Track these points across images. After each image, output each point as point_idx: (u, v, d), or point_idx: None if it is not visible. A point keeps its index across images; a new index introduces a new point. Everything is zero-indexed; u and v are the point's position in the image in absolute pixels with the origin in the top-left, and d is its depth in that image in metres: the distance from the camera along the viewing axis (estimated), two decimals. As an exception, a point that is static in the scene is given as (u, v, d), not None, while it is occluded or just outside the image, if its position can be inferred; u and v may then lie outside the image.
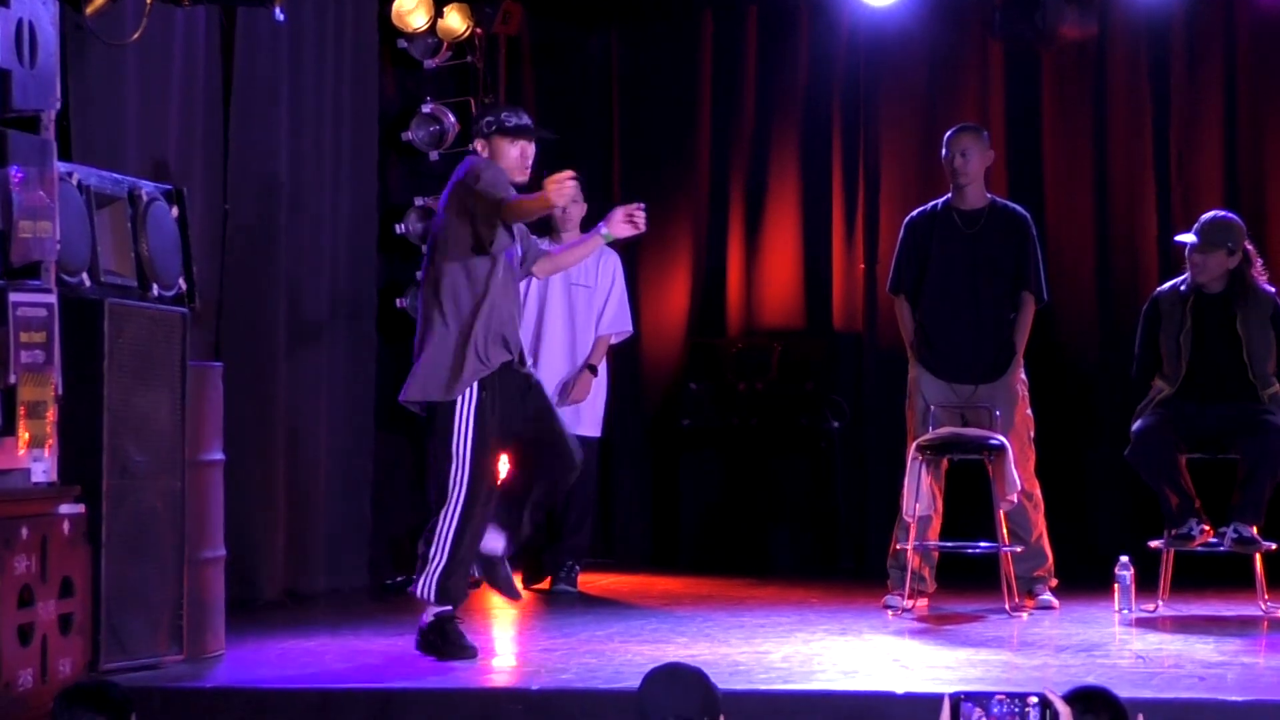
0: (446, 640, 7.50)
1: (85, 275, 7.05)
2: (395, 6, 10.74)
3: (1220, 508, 8.71)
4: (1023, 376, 9.22)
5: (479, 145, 7.75)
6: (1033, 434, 9.24)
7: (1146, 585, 8.74)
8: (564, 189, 7.48)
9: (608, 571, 10.78)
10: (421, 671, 7.41)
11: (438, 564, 7.46)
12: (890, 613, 8.86)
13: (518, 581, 8.52)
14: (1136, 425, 8.82)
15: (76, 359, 6.88)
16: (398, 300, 10.86)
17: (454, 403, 7.48)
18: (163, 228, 7.49)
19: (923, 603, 9.01)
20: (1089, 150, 11.21)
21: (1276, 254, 10.55)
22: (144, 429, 7.20)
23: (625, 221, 7.88)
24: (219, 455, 7.73)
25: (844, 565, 11.28)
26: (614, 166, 11.81)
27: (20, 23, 6.59)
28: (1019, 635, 8.28)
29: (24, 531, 6.40)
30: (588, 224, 9.69)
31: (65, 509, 6.68)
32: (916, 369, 9.25)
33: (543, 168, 8.01)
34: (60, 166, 6.88)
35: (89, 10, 7.53)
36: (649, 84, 11.86)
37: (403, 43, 10.97)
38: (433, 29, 10.93)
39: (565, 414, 8.81)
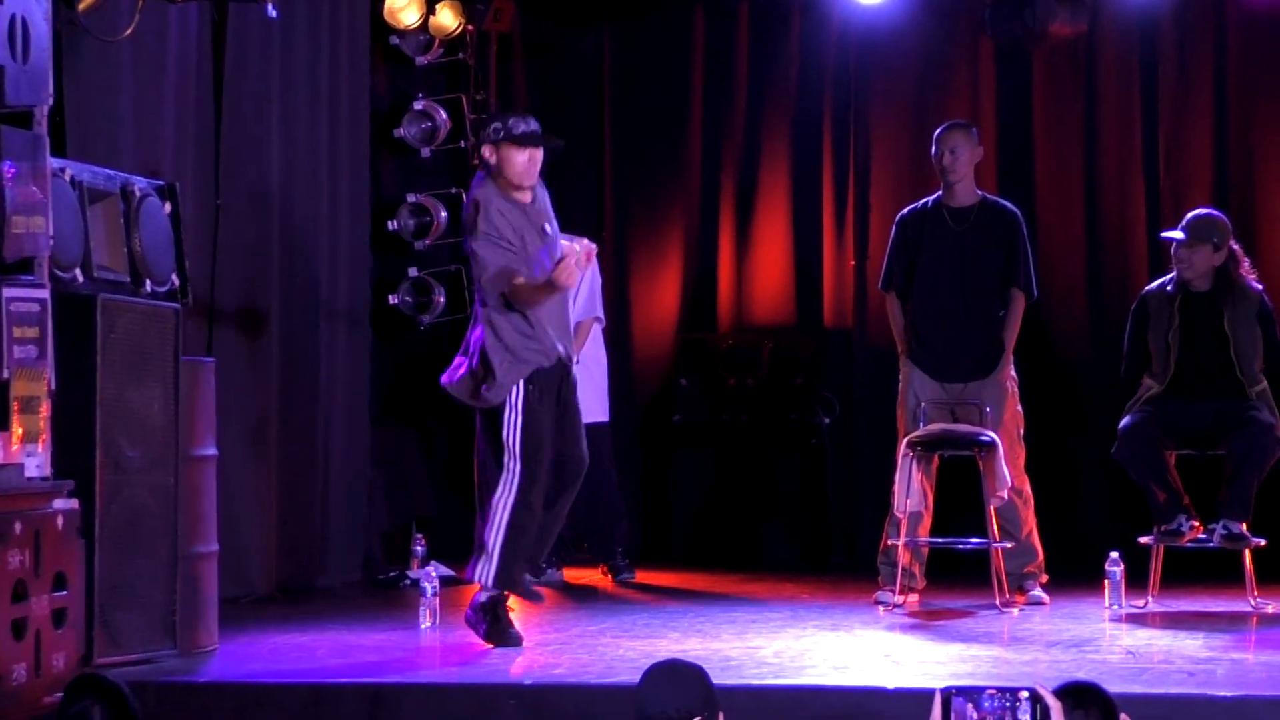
0: (497, 621, 7.62)
1: (78, 271, 7.05)
2: (387, 3, 10.74)
3: (1209, 504, 8.73)
4: (1013, 373, 9.24)
5: (486, 151, 7.74)
6: (1023, 430, 9.26)
7: (1136, 581, 8.77)
8: (571, 272, 7.53)
9: (600, 567, 10.79)
10: (414, 666, 7.44)
11: (495, 549, 7.55)
12: (881, 608, 8.89)
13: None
14: (1123, 423, 8.85)
15: (70, 354, 6.88)
16: (390, 296, 10.89)
17: (506, 402, 7.57)
18: (155, 223, 7.50)
19: (914, 598, 9.03)
20: (1079, 148, 11.24)
21: (1265, 251, 10.61)
22: (137, 424, 7.21)
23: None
24: (212, 450, 7.74)
25: (835, 560, 11.30)
26: (605, 163, 11.82)
27: (13, 19, 6.58)
28: (1009, 631, 8.30)
29: (17, 526, 6.40)
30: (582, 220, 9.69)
31: (59, 504, 6.67)
32: (907, 365, 9.27)
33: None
34: (53, 162, 6.87)
35: (82, 6, 7.53)
36: (640, 81, 11.88)
37: (395, 39, 10.99)
38: (425, 26, 10.94)
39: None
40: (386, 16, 10.80)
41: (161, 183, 7.69)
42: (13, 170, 6.51)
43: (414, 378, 11.30)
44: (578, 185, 11.37)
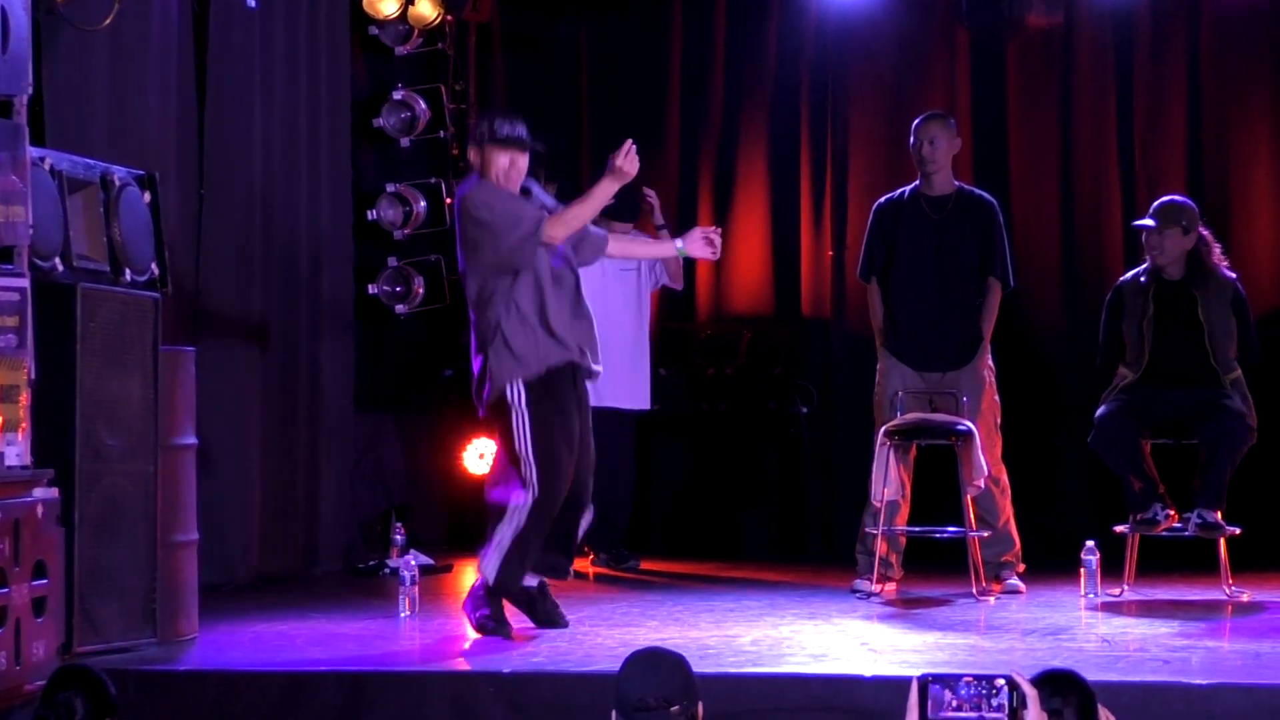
0: (492, 612, 7.63)
1: (58, 260, 7.05)
2: (367, -7, 10.77)
3: (1184, 493, 8.77)
4: (990, 362, 9.27)
5: (472, 153, 7.74)
6: (1000, 420, 9.28)
7: (1112, 570, 8.81)
8: (633, 158, 7.52)
9: (578, 556, 10.79)
10: (393, 654, 7.45)
11: (501, 550, 7.58)
12: (859, 597, 8.91)
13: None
14: (1099, 412, 8.88)
15: (49, 343, 6.89)
16: (369, 286, 10.90)
17: (507, 405, 7.55)
18: (135, 213, 7.50)
19: (891, 587, 9.06)
20: (1054, 138, 11.28)
21: (1240, 240, 10.66)
22: (117, 413, 7.23)
23: (703, 241, 7.95)
24: (191, 439, 7.75)
25: (813, 549, 11.33)
26: (583, 153, 11.83)
27: (-7, 9, 6.60)
28: (986, 619, 8.33)
29: (-3, 515, 6.42)
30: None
31: (38, 493, 6.68)
32: (885, 356, 9.29)
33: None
34: (33, 151, 6.88)
35: (61, -4, 7.55)
36: (619, 71, 11.89)
37: (374, 29, 11.00)
38: (404, 16, 10.95)
39: (611, 386, 9.13)
40: (366, 7, 10.81)
41: (141, 172, 7.69)
42: (-8, 160, 6.52)
43: (393, 367, 11.32)
44: (556, 175, 11.37)
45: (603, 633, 7.78)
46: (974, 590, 8.81)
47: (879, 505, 8.90)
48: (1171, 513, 8.69)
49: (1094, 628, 8.07)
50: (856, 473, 9.72)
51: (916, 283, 9.24)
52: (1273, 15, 10.97)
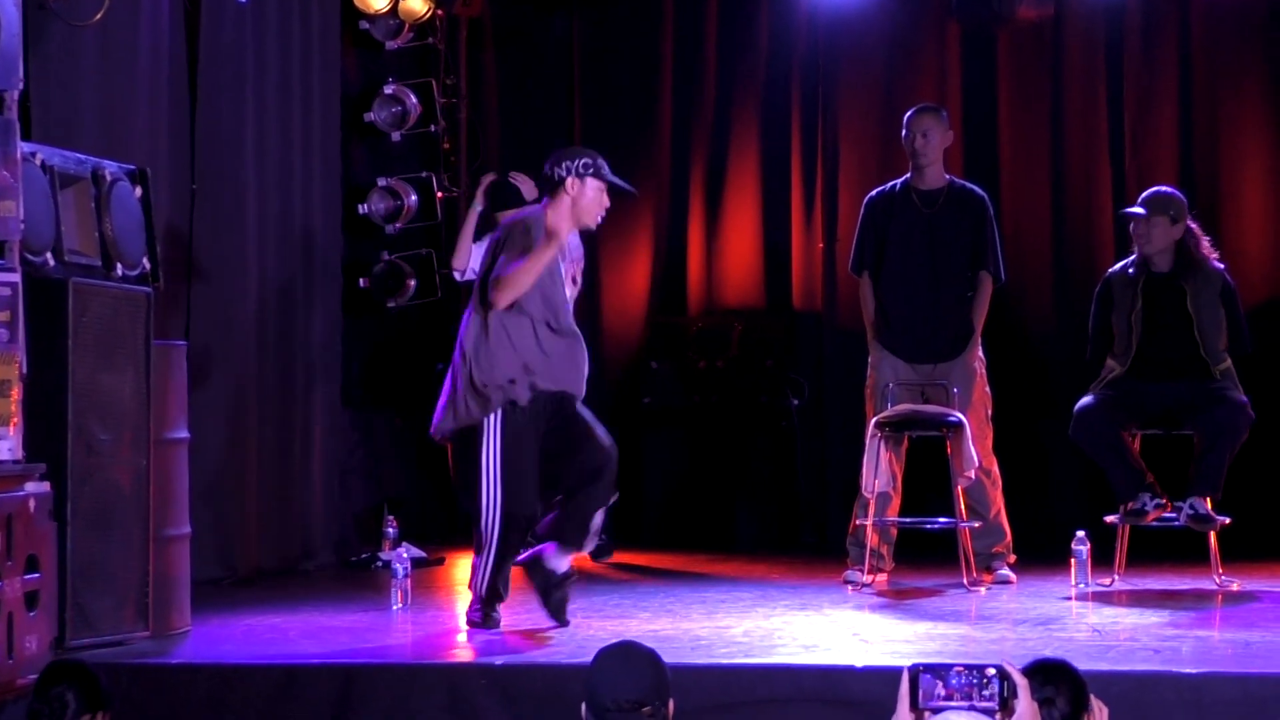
0: (480, 610, 7.67)
1: (49, 255, 7.06)
2: (357, -12, 10.78)
3: (1175, 484, 8.78)
4: (980, 355, 9.29)
5: (570, 183, 7.70)
6: (990, 411, 9.30)
7: (1103, 560, 8.83)
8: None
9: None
10: (386, 647, 7.46)
11: (482, 582, 7.65)
12: (850, 588, 8.93)
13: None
14: (1079, 404, 8.89)
15: (41, 338, 6.88)
16: (360, 280, 10.91)
17: (480, 431, 7.57)
18: (126, 207, 7.50)
19: (882, 578, 9.07)
20: (1045, 131, 11.29)
21: (1230, 232, 10.68)
22: (109, 407, 7.23)
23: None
24: (184, 433, 7.76)
25: (805, 541, 11.34)
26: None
27: (-17, 4, 6.60)
28: (977, 609, 8.35)
29: (-10, 510, 6.42)
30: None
31: (31, 487, 6.69)
32: (876, 348, 9.30)
33: (505, 164, 8.03)
34: (24, 146, 6.87)
35: (52, -8, 7.55)
36: (610, 65, 11.90)
37: (364, 24, 11.00)
38: (394, 10, 10.96)
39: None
40: (356, 1, 10.82)
41: (132, 167, 7.69)
42: (-17, 155, 6.52)
43: (385, 361, 11.33)
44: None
45: (595, 624, 7.80)
46: (965, 581, 8.83)
47: (870, 496, 8.92)
48: (1163, 501, 8.70)
49: (1084, 618, 8.09)
50: (848, 464, 9.75)
51: (908, 276, 9.25)
52: (1263, 6, 10.99)
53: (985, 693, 3.69)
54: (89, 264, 7.28)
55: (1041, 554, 9.46)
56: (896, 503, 9.12)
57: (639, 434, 11.68)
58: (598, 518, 7.75)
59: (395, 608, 8.32)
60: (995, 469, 9.24)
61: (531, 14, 12.01)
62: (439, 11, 11.19)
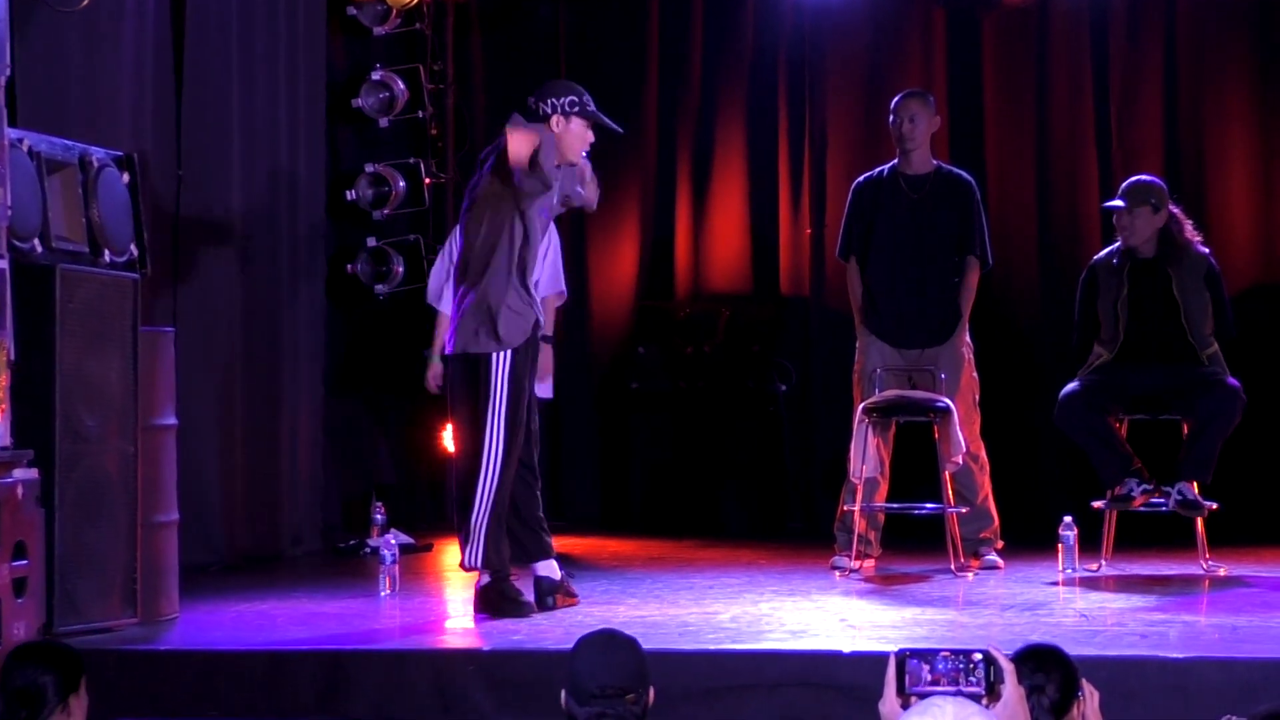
0: (505, 598, 7.61)
1: (37, 241, 7.05)
2: (344, -27, 10.77)
3: (1162, 469, 8.80)
4: (968, 340, 9.29)
5: (555, 121, 7.71)
6: (978, 397, 9.31)
7: (1090, 545, 8.84)
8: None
9: (558, 534, 10.79)
10: (374, 633, 7.47)
11: (480, 532, 7.55)
12: (837, 574, 8.94)
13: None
14: (1063, 390, 8.90)
15: (29, 324, 6.89)
16: (348, 265, 10.91)
17: (490, 361, 7.55)
18: (114, 193, 7.49)
19: (869, 563, 9.08)
20: (1031, 116, 11.29)
21: (1215, 217, 10.69)
22: (96, 394, 7.23)
23: None
24: (171, 420, 7.75)
25: (792, 527, 11.35)
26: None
27: (-31, -10, 6.59)
28: (964, 595, 8.36)
29: (-23, 496, 6.42)
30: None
31: (18, 473, 6.69)
32: (864, 333, 9.31)
33: (486, 140, 7.99)
34: (10, 133, 6.87)
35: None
36: (597, 50, 11.88)
37: (352, 10, 10.99)
38: (381, -4, 10.96)
39: None
40: (343, -13, 10.81)
41: (119, 153, 7.69)
42: (-31, 142, 6.51)
43: (373, 346, 11.33)
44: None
45: (582, 610, 7.80)
46: (952, 566, 8.84)
47: (858, 482, 8.93)
48: (1151, 487, 8.70)
49: (1072, 603, 8.11)
50: (835, 450, 9.76)
51: (895, 261, 9.26)
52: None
53: (972, 677, 3.70)
54: (76, 250, 7.27)
55: (1029, 539, 9.47)
56: (884, 488, 9.13)
57: (626, 419, 11.70)
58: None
59: (383, 594, 8.32)
60: (983, 454, 9.25)
61: (518, -1, 12.00)
62: (426, -3, 11.19)
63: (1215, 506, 8.76)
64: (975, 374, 9.30)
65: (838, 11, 11.39)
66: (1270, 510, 10.41)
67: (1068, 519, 8.83)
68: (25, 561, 6.66)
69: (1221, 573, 8.77)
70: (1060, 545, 8.79)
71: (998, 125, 11.34)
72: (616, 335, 11.78)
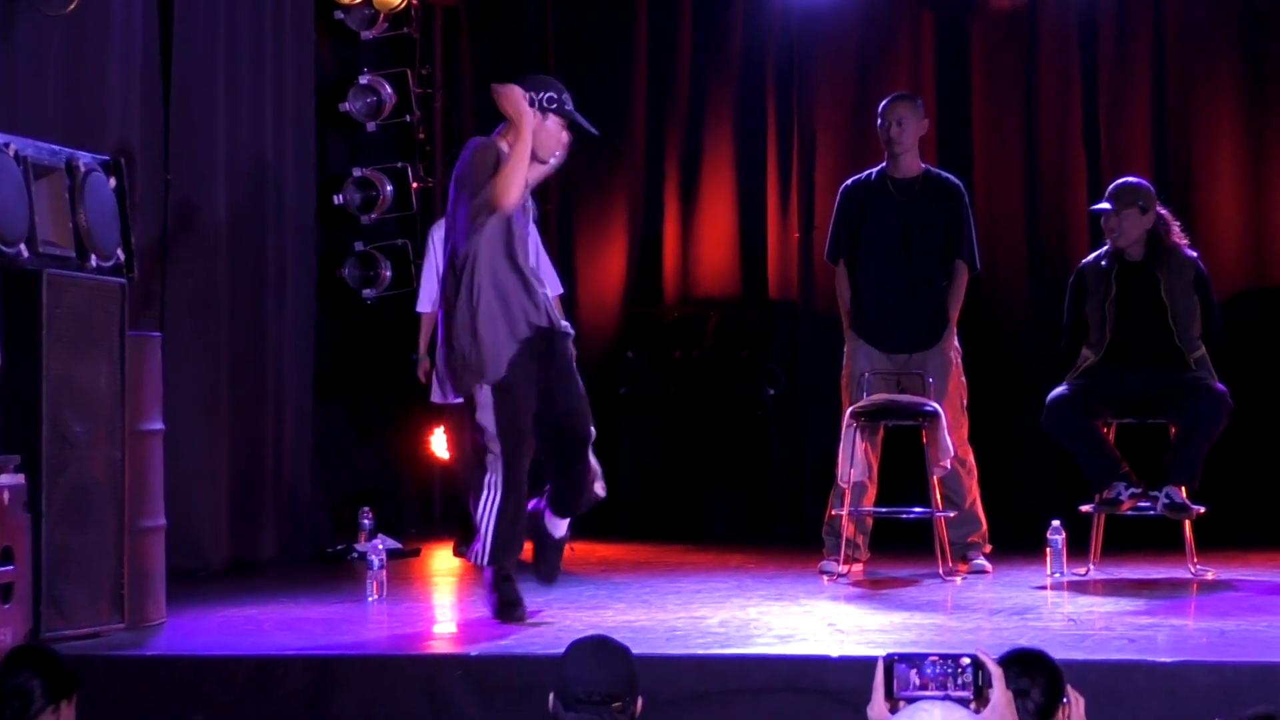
0: (499, 598, 7.60)
1: (23, 246, 7.03)
2: (332, -23, 10.76)
3: (1149, 473, 8.80)
4: (956, 344, 9.30)
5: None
6: (966, 401, 9.31)
7: (1078, 549, 8.84)
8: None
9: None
10: (361, 638, 7.45)
11: (486, 531, 7.51)
12: (826, 578, 8.94)
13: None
14: (1051, 394, 8.91)
15: (15, 330, 6.89)
16: (336, 270, 10.91)
17: (474, 398, 7.53)
18: (101, 198, 7.48)
19: (858, 568, 9.08)
20: (1019, 119, 11.29)
21: (1204, 220, 10.69)
22: (84, 399, 7.22)
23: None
24: (159, 425, 7.74)
25: (780, 531, 11.34)
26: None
27: (-44, -7, 6.58)
28: (953, 599, 8.35)
29: (-36, 502, 6.41)
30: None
31: (5, 479, 6.68)
32: (852, 337, 9.31)
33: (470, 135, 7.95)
34: (-3, 138, 6.88)
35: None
36: (585, 53, 11.88)
37: (339, 14, 11.00)
38: (369, 0, 10.94)
39: None
40: (331, -9, 10.81)
41: (106, 158, 7.67)
42: (-45, 146, 6.51)
43: (360, 351, 11.32)
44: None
45: (570, 615, 7.79)
46: (940, 570, 8.84)
47: (846, 486, 8.93)
48: (1138, 490, 8.71)
49: (1060, 607, 8.10)
50: (823, 454, 9.75)
51: (883, 264, 9.26)
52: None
53: (960, 682, 3.70)
54: (63, 255, 7.25)
55: (1017, 543, 9.47)
56: (872, 492, 9.13)
57: (614, 424, 11.67)
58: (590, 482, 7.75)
59: (370, 599, 8.32)
60: (971, 459, 9.25)
61: (506, 3, 11.99)
62: (414, 1, 11.18)
63: (1203, 510, 8.76)
64: (963, 378, 9.30)
65: (826, 15, 11.40)
66: (1258, 514, 10.42)
67: (1056, 523, 8.83)
68: (12, 567, 6.65)
69: (1209, 576, 8.77)
70: (1048, 549, 8.79)
71: (986, 128, 11.34)
72: (604, 340, 11.76)
